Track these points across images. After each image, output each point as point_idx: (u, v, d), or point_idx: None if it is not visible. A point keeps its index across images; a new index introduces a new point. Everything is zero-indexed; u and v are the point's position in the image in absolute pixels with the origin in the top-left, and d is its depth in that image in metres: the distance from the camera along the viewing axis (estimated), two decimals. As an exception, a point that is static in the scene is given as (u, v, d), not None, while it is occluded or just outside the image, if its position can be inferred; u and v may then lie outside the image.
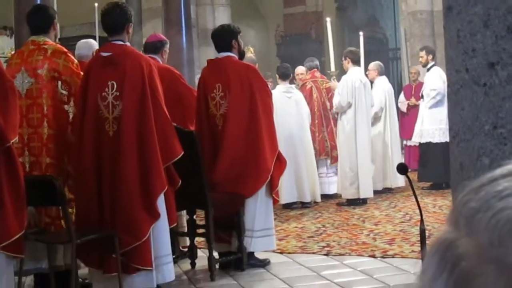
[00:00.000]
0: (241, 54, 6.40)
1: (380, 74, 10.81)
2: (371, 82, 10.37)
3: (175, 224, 5.57)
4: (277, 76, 9.72)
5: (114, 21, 5.35)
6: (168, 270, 5.32)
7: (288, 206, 9.26)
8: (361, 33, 10.12)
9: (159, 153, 5.13)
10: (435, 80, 10.27)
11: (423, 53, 10.64)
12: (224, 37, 6.30)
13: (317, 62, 10.52)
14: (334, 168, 10.04)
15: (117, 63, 5.24)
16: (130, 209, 5.08)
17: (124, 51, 5.30)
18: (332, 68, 9.70)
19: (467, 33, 2.03)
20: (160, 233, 5.22)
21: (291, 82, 9.98)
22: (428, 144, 10.36)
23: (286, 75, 9.66)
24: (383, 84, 10.67)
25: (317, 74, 10.40)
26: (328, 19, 9.74)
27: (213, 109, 6.16)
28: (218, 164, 6.02)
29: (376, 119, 10.28)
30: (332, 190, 10.02)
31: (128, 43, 5.42)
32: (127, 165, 5.10)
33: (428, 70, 10.56)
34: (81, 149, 5.25)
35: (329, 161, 10.10)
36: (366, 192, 9.38)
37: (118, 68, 5.22)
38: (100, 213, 5.15)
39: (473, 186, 0.61)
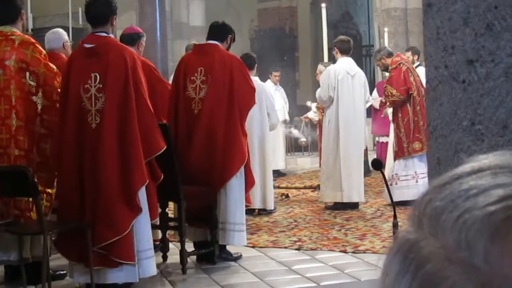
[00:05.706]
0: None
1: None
2: None
3: (156, 219, 5.54)
4: None
5: (99, 12, 5.29)
6: (149, 265, 5.28)
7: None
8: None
9: (140, 146, 5.09)
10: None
11: (409, 54, 10.79)
12: (224, 29, 6.35)
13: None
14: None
15: (101, 55, 5.17)
16: (110, 202, 5.04)
17: (107, 43, 5.24)
18: (325, 59, 9.41)
19: (447, 30, 2.05)
20: (141, 228, 5.19)
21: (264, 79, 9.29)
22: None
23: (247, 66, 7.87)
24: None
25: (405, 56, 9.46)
26: (323, 5, 9.53)
27: (192, 92, 6.13)
28: (192, 148, 6.01)
29: None
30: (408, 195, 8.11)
31: (111, 35, 5.38)
32: (108, 158, 5.05)
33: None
34: (62, 141, 5.18)
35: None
36: (330, 197, 8.68)
37: (101, 60, 5.15)
38: (82, 206, 5.11)
39: (435, 184, 0.58)
